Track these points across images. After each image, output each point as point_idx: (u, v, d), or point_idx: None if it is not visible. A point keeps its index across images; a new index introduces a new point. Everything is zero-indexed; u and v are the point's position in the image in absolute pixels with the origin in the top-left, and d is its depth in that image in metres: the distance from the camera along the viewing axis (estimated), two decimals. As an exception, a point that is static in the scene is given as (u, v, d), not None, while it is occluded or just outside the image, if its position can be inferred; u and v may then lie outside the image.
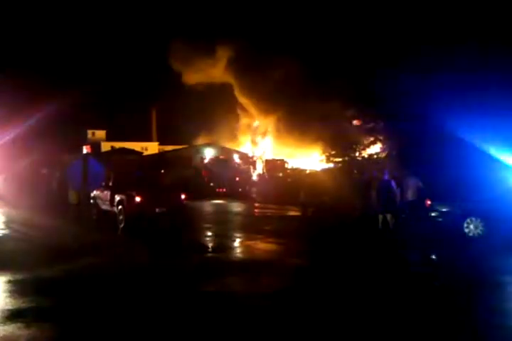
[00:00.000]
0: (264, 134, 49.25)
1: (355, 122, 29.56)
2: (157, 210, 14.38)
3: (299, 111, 39.06)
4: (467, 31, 22.28)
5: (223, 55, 46.71)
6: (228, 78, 47.74)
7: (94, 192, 16.77)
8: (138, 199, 14.27)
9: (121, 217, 14.47)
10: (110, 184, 15.81)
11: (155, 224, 14.80)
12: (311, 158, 38.11)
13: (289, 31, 40.67)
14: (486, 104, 18.48)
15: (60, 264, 9.65)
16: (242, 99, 48.05)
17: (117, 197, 14.75)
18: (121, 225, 14.38)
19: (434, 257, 11.24)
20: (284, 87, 41.21)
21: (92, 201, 16.95)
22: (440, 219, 13.56)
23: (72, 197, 21.93)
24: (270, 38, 41.43)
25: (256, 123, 50.40)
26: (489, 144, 16.91)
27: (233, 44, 44.69)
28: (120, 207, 14.53)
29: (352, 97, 28.88)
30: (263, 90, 43.66)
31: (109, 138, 59.44)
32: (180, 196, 15.28)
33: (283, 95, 41.49)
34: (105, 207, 15.74)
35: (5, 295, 7.49)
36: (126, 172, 18.75)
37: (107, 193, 15.46)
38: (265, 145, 48.54)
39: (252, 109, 48.58)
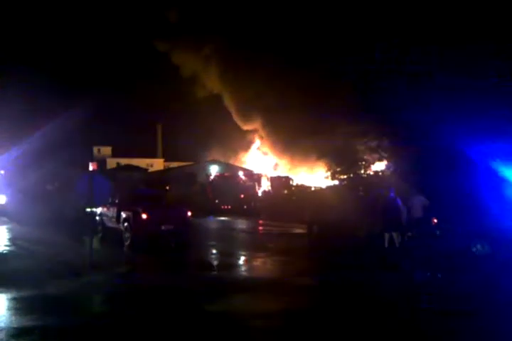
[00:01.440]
0: (264, 152, 49.56)
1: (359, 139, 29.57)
2: (163, 228, 14.31)
3: (302, 125, 39.21)
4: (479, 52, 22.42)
5: (221, 66, 47.24)
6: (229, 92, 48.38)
7: (100, 209, 16.75)
8: (144, 216, 14.22)
9: (127, 235, 14.42)
10: (116, 201, 15.78)
11: (161, 242, 14.75)
12: (316, 175, 38.12)
13: (290, 39, 40.98)
14: (494, 122, 18.51)
15: (66, 282, 9.64)
16: (241, 114, 48.58)
17: (123, 215, 14.72)
18: (127, 242, 14.33)
19: (440, 276, 11.15)
20: (284, 99, 41.48)
21: (98, 218, 16.92)
22: (447, 238, 13.47)
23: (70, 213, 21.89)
24: (271, 46, 41.72)
25: (257, 142, 50.78)
26: (497, 162, 16.86)
27: (231, 53, 45.11)
28: (126, 224, 14.50)
29: (357, 114, 28.96)
30: (264, 103, 44.03)
31: (115, 155, 59.73)
32: (186, 213, 15.22)
33: (283, 108, 41.75)
34: (111, 224, 15.71)
35: (10, 312, 7.48)
36: (132, 189, 18.76)
37: (113, 210, 15.43)
38: (269, 162, 48.78)
39: (253, 126, 49.04)
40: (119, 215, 14.95)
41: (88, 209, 18.02)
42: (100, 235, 16.58)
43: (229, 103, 48.92)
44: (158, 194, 18.08)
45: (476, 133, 17.90)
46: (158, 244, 14.71)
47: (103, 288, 9.43)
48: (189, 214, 15.30)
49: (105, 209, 16.34)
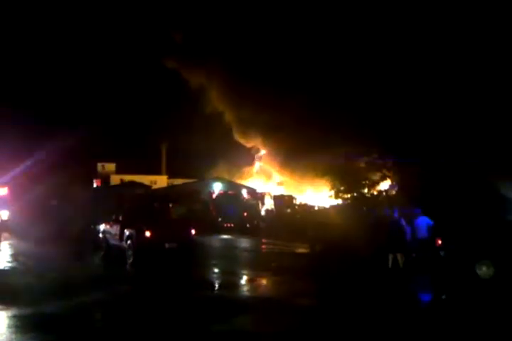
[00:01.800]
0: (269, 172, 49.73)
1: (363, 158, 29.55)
2: (167, 246, 14.19)
3: (305, 144, 39.33)
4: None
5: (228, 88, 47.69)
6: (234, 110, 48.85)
7: (103, 227, 16.68)
8: (148, 234, 14.12)
9: (129, 252, 14.30)
10: (119, 218, 15.71)
11: (164, 260, 14.62)
12: (319, 194, 38.04)
13: (294, 63, 41.33)
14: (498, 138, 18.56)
15: (67, 300, 9.58)
16: (244, 133, 48.94)
17: (126, 232, 14.62)
18: (130, 260, 14.21)
19: (444, 298, 11.04)
20: (287, 119, 41.73)
21: (101, 235, 16.85)
22: (451, 259, 13.32)
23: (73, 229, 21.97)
24: (275, 68, 42.07)
25: (261, 152, 50.96)
26: (502, 183, 16.79)
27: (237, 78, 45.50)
28: (129, 241, 14.39)
29: (360, 133, 29.04)
30: (264, 121, 44.35)
31: (118, 171, 59.81)
32: (190, 231, 15.09)
33: (287, 127, 41.98)
34: (114, 241, 15.61)
35: (10, 330, 7.44)
36: (136, 206, 18.64)
37: (116, 227, 15.34)
38: (273, 180, 48.83)
39: (255, 142, 49.34)
40: (122, 232, 14.85)
41: (91, 226, 18.03)
42: (103, 252, 16.50)
43: (230, 121, 49.49)
44: (162, 211, 17.95)
45: (480, 150, 17.90)
46: (161, 262, 14.60)
47: (104, 307, 9.37)
48: (193, 232, 15.19)
49: (108, 226, 16.28)
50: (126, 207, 17.04)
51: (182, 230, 15.09)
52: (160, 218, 15.90)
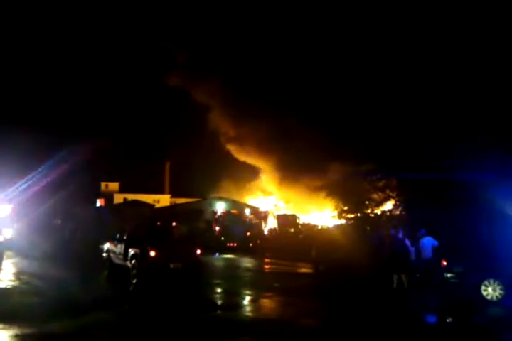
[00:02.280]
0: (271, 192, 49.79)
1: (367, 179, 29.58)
2: (171, 266, 14.06)
3: (302, 161, 39.50)
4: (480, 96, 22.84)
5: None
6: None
7: (107, 246, 16.60)
8: (152, 253, 14.03)
9: (134, 272, 14.19)
10: (124, 237, 15.63)
11: (168, 280, 14.50)
12: (323, 213, 37.99)
13: (294, 82, 41.81)
14: (500, 161, 18.56)
15: (69, 319, 9.52)
16: (243, 151, 49.31)
17: (131, 251, 14.53)
18: (134, 280, 14.11)
19: (449, 320, 10.92)
20: (284, 136, 42.02)
21: (104, 254, 16.76)
22: (456, 281, 13.23)
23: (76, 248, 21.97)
24: (274, 87, 42.49)
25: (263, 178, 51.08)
26: (507, 203, 16.73)
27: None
28: (133, 261, 14.31)
29: (364, 153, 29.16)
30: (264, 140, 44.69)
31: (122, 190, 59.91)
32: (195, 251, 14.97)
33: (284, 145, 42.25)
34: (118, 261, 15.52)
35: (12, 350, 7.38)
36: (141, 225, 18.57)
37: (121, 247, 15.26)
38: (275, 199, 48.83)
39: (254, 160, 49.61)
40: (126, 252, 14.77)
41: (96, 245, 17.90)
42: (107, 272, 16.40)
43: (230, 138, 50.04)
44: (167, 231, 17.86)
45: (485, 171, 17.89)
46: (166, 282, 14.49)
47: (107, 327, 9.30)
48: (198, 252, 15.08)
49: (112, 245, 16.21)
50: (131, 226, 16.92)
51: (187, 250, 14.98)
52: (165, 238, 15.80)
